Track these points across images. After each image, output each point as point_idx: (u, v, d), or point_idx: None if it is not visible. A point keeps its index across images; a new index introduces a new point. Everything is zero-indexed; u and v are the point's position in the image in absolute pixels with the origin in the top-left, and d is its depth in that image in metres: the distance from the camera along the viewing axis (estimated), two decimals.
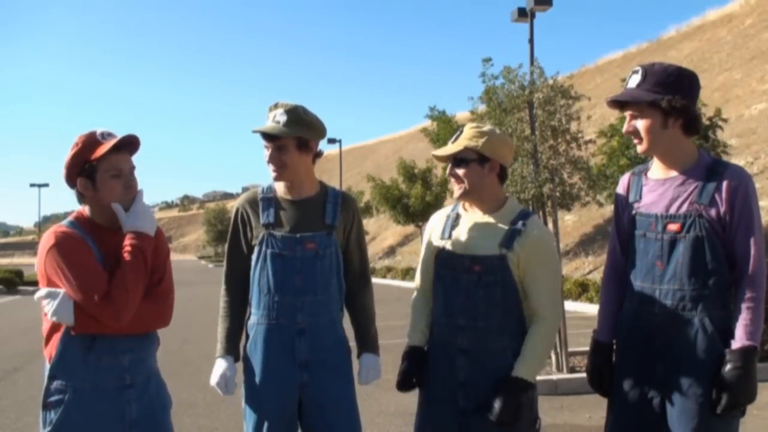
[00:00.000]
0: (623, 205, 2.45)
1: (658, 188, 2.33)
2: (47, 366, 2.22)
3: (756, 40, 28.54)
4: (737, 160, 17.08)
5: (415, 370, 2.44)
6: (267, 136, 2.45)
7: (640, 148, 2.32)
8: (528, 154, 6.87)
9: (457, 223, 2.45)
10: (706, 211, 2.20)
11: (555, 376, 6.53)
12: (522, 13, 10.00)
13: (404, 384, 2.45)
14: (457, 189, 2.40)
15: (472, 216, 2.43)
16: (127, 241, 2.23)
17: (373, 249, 36.77)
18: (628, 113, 2.32)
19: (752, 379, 2.15)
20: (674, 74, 2.26)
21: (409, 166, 26.58)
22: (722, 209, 2.19)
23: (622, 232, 2.45)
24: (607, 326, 2.49)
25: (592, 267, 17.83)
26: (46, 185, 44.58)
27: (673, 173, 2.31)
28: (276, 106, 2.49)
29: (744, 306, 2.16)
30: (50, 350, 2.21)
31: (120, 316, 2.14)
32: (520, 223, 2.35)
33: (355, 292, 2.63)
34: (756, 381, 2.17)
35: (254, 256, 2.50)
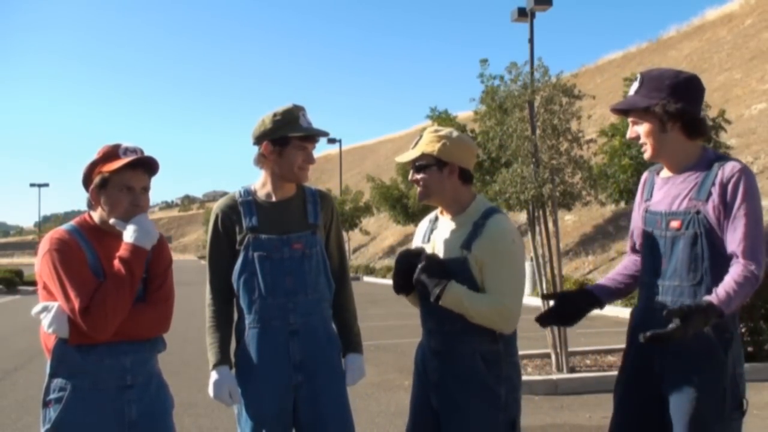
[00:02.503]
0: (638, 203, 2.50)
1: (664, 186, 2.37)
2: (48, 363, 2.22)
3: (756, 40, 28.54)
4: None
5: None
6: (312, 137, 2.51)
7: (646, 155, 2.36)
8: (528, 154, 6.87)
9: (436, 226, 2.50)
10: (703, 206, 2.22)
11: (555, 376, 6.53)
12: (522, 13, 10.02)
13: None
14: (418, 193, 2.46)
15: (445, 219, 2.48)
16: (119, 253, 2.23)
17: (373, 249, 36.76)
18: (630, 120, 2.38)
19: (691, 327, 2.08)
20: (670, 78, 2.29)
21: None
22: (716, 202, 2.21)
23: (638, 229, 2.49)
24: (599, 283, 2.60)
25: (592, 267, 17.83)
26: (46, 185, 44.66)
27: (678, 171, 2.35)
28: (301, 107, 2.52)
29: (728, 277, 2.15)
30: (51, 348, 2.21)
31: (98, 330, 2.14)
32: (479, 224, 2.35)
33: (336, 289, 2.62)
34: (693, 331, 2.10)
35: (240, 261, 2.47)
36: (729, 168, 2.22)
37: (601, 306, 2.54)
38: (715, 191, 2.21)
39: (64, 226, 2.31)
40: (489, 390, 2.32)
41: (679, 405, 2.22)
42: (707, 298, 2.13)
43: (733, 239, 2.18)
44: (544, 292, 6.96)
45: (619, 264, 2.63)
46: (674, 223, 2.27)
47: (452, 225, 2.42)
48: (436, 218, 2.53)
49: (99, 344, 2.19)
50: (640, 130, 2.33)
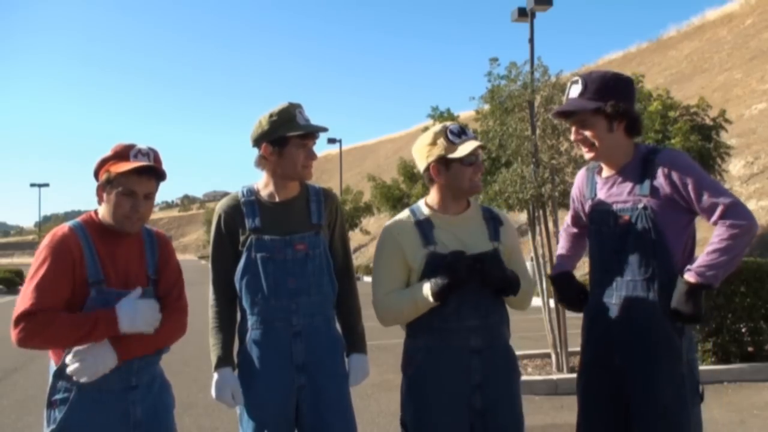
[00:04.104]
0: (579, 201, 2.61)
1: (605, 185, 2.47)
2: (52, 364, 2.22)
3: (756, 40, 28.55)
4: (737, 160, 17.08)
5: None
6: (312, 134, 2.48)
7: (591, 155, 2.45)
8: (528, 154, 6.87)
9: (434, 225, 2.41)
10: (648, 200, 2.33)
11: (555, 376, 6.52)
12: (522, 13, 10.00)
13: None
14: (477, 185, 2.43)
15: (447, 217, 2.44)
16: (99, 313, 2.13)
17: (374, 249, 36.58)
18: (574, 123, 2.46)
19: (698, 305, 2.25)
20: (612, 80, 2.41)
21: (409, 165, 26.59)
22: (667, 192, 2.31)
23: (578, 225, 2.67)
24: (560, 264, 2.72)
25: None
26: (46, 185, 44.58)
27: (617, 170, 2.45)
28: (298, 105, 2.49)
29: (711, 245, 2.26)
30: (56, 350, 2.21)
31: (19, 341, 2.09)
32: (494, 215, 2.49)
33: (341, 288, 2.60)
34: (701, 305, 2.27)
35: (242, 262, 2.46)
36: (666, 159, 2.34)
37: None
38: (662, 183, 2.31)
39: (70, 223, 2.30)
40: (519, 385, 2.47)
41: (643, 396, 2.30)
42: (688, 280, 2.24)
43: (708, 213, 2.27)
44: (545, 290, 6.96)
45: (564, 242, 2.78)
46: (623, 219, 2.37)
47: (464, 221, 2.44)
48: (428, 219, 2.42)
49: None
50: (587, 132, 2.41)
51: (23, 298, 2.14)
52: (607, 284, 2.42)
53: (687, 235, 2.36)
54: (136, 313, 2.16)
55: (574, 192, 2.65)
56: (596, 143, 2.41)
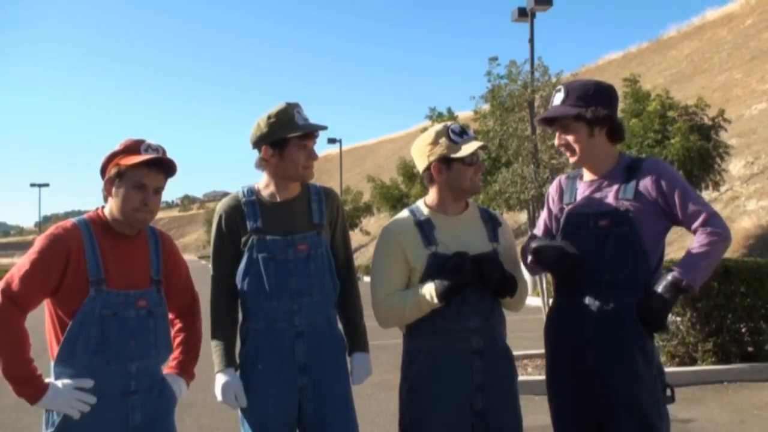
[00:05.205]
0: (555, 205, 2.63)
1: (588, 190, 2.51)
2: (52, 366, 2.21)
3: (756, 40, 28.53)
4: (737, 161, 17.07)
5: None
6: (311, 134, 2.46)
7: (573, 159, 2.51)
8: (528, 153, 6.87)
9: (433, 226, 2.40)
10: (631, 204, 2.39)
11: None
12: (522, 13, 10.01)
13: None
14: (478, 186, 2.44)
15: (447, 217, 2.44)
16: (34, 375, 2.14)
17: (373, 249, 36.68)
18: (557, 129, 2.52)
19: (669, 307, 2.32)
20: (593, 88, 2.48)
21: (409, 165, 26.59)
22: (652, 197, 2.38)
23: (550, 229, 2.64)
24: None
25: None
26: (47, 185, 44.58)
27: (600, 175, 2.50)
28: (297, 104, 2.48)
29: (691, 249, 2.33)
30: (57, 352, 2.20)
31: None
32: (492, 216, 2.52)
33: (342, 287, 2.59)
34: (670, 309, 2.34)
35: (244, 262, 2.45)
36: (653, 166, 2.42)
37: None
38: (649, 189, 2.38)
39: (75, 219, 2.29)
40: (517, 386, 2.46)
41: (619, 397, 2.33)
42: (676, 277, 2.28)
43: (691, 219, 2.35)
44: (544, 290, 6.96)
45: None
46: (603, 222, 2.41)
47: (464, 222, 2.44)
48: (428, 219, 2.41)
49: (106, 347, 2.19)
50: (569, 138, 2.47)
51: (9, 278, 2.14)
52: (582, 285, 2.43)
53: (662, 242, 2.44)
54: (55, 401, 2.14)
55: (552, 195, 2.67)
56: (577, 148, 2.46)
